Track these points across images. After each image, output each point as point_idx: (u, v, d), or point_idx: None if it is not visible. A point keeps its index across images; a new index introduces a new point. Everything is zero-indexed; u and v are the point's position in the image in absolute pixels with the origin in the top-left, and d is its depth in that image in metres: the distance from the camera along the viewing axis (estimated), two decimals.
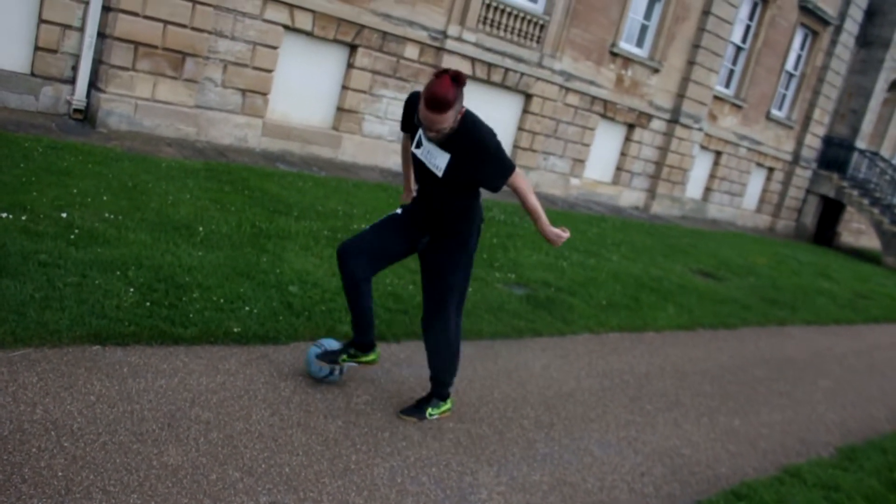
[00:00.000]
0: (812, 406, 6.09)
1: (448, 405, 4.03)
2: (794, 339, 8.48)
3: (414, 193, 3.86)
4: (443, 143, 3.44)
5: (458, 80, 3.27)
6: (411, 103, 3.61)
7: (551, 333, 5.94)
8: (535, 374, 4.97)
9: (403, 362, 4.59)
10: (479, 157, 3.47)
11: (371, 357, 4.06)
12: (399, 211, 3.86)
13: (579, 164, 15.11)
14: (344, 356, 3.94)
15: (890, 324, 11.48)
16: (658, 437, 4.59)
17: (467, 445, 3.78)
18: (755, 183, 20.92)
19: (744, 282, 10.88)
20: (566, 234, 3.63)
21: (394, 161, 11.89)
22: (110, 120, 8.88)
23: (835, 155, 22.17)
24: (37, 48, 8.63)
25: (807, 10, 18.89)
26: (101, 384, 3.40)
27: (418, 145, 3.58)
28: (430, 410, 3.94)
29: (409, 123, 3.64)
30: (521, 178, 3.56)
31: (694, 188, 18.67)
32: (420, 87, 11.66)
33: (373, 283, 4.98)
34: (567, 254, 8.93)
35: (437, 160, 3.51)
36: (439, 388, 3.98)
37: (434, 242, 3.76)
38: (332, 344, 4.00)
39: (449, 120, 3.31)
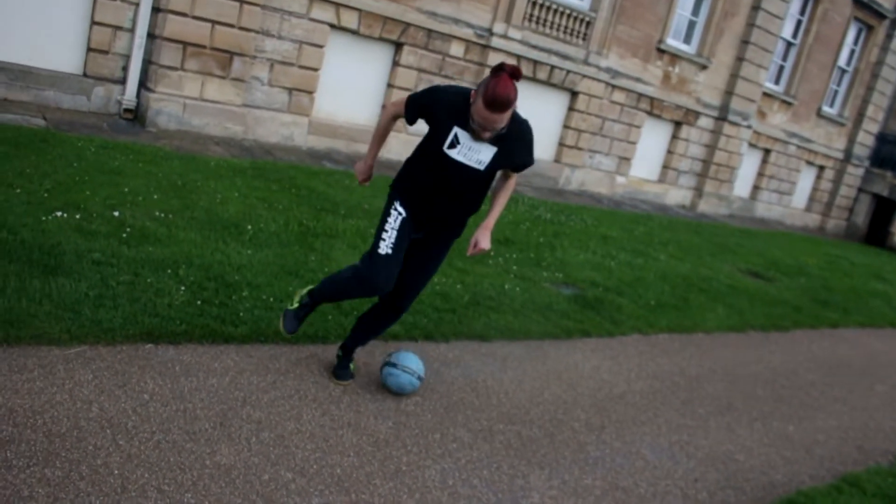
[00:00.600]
0: (869, 412, 5.93)
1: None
2: (848, 342, 8.27)
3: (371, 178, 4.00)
4: (491, 138, 3.34)
5: (516, 75, 3.13)
6: (442, 100, 3.43)
7: (600, 334, 5.87)
8: (584, 376, 4.91)
9: (452, 363, 4.55)
10: (522, 145, 3.49)
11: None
12: (402, 211, 3.59)
13: (625, 162, 14.94)
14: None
15: None
16: (711, 442, 4.50)
17: (518, 448, 3.73)
18: (805, 181, 20.50)
19: (794, 282, 10.65)
20: (485, 248, 3.61)
21: None
22: (159, 119, 8.99)
23: (889, 152, 21.61)
24: (89, 49, 8.77)
25: (861, 4, 18.44)
26: (154, 382, 3.43)
27: (453, 144, 3.40)
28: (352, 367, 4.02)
29: (428, 108, 3.47)
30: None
31: (742, 186, 18.35)
32: (465, 86, 11.64)
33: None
34: (615, 253, 8.82)
35: (481, 155, 3.42)
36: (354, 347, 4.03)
37: (434, 235, 3.73)
38: (408, 358, 3.95)
39: (507, 119, 3.22)
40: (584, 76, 13.17)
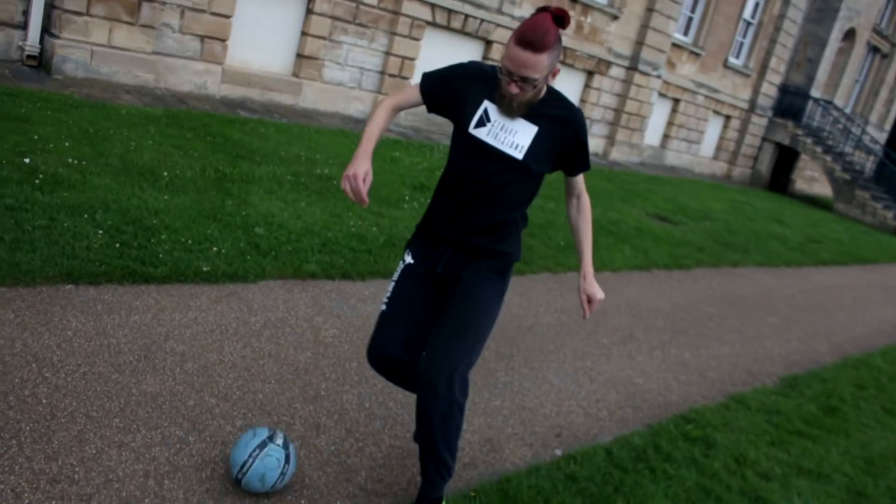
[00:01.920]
0: (760, 341, 6.39)
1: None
2: (746, 279, 8.80)
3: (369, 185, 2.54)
4: (528, 113, 2.60)
5: (561, 21, 2.45)
6: (472, 71, 2.71)
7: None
8: (514, 305, 5.16)
9: (368, 299, 4.74)
10: (574, 133, 2.68)
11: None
12: (406, 258, 2.85)
13: None
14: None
15: (838, 266, 11.91)
16: (612, 368, 4.83)
17: None
18: (712, 130, 21.25)
19: (699, 226, 11.18)
20: (601, 297, 2.86)
21: (354, 108, 11.91)
22: (66, 66, 8.77)
23: (790, 103, 22.55)
24: None
25: None
26: (77, 320, 3.51)
27: (481, 122, 2.63)
28: None
29: (449, 98, 2.71)
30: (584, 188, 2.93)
31: (652, 135, 18.92)
32: (379, 35, 11.67)
33: (342, 223, 5.09)
34: None
35: (517, 137, 2.61)
36: (433, 480, 2.77)
37: (465, 262, 2.77)
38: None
39: (543, 69, 2.46)
40: (498, 25, 13.32)
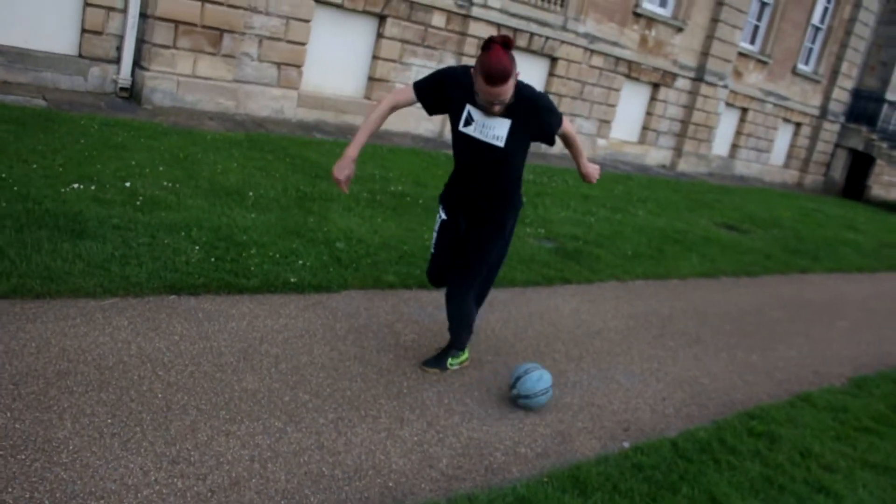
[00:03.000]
0: (828, 343, 6.45)
1: (466, 355, 4.18)
2: (815, 285, 8.81)
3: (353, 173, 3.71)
4: (501, 112, 3.38)
5: (508, 45, 3.17)
6: (450, 80, 3.48)
7: (579, 281, 6.35)
8: (564, 316, 5.40)
9: (443, 307, 5.01)
10: (538, 113, 3.45)
11: (465, 356, 4.20)
12: (442, 214, 3.85)
13: (605, 125, 15.38)
14: (451, 360, 4.11)
15: None
16: (679, 369, 5.00)
17: (504, 374, 4.22)
18: (782, 138, 21.01)
19: (767, 234, 11.17)
20: (598, 171, 3.99)
21: (424, 127, 12.29)
22: (155, 97, 9.36)
23: (864, 108, 22.14)
24: (83, 31, 9.11)
25: None
26: (182, 326, 3.89)
27: (468, 122, 3.46)
28: (450, 361, 4.09)
29: (441, 103, 3.55)
30: (568, 123, 3.65)
31: (720, 145, 18.84)
32: (447, 56, 12.03)
33: (416, 237, 5.42)
34: (594, 210, 9.30)
35: (496, 130, 3.43)
36: (457, 341, 4.11)
37: (475, 224, 3.76)
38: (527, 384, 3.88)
39: (511, 89, 3.23)
40: (563, 42, 13.57)
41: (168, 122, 8.61)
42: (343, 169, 3.56)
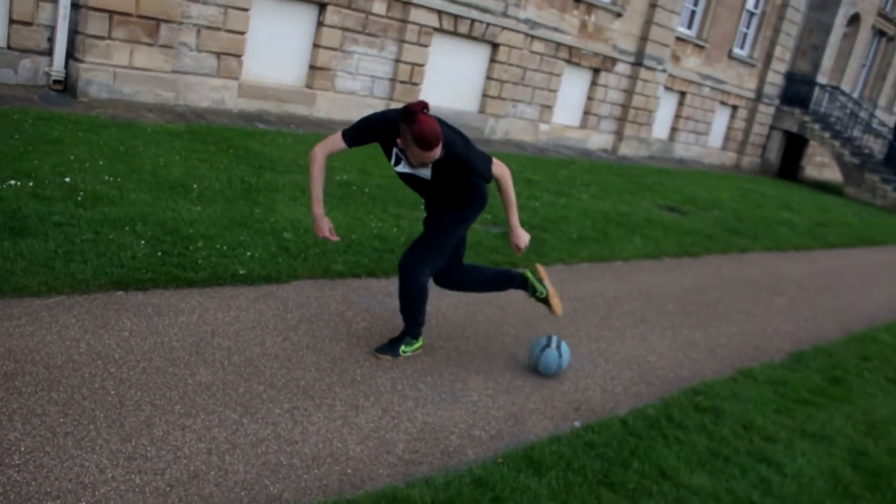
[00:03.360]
0: (767, 320, 6.66)
1: (419, 342, 4.24)
2: (755, 264, 9.06)
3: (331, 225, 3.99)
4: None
5: (426, 109, 3.42)
6: (379, 128, 3.71)
7: (526, 265, 6.43)
8: (513, 300, 5.46)
9: (393, 294, 5.00)
10: (456, 163, 3.68)
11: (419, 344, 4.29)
12: (425, 212, 4.21)
13: (547, 110, 15.52)
14: (530, 294, 4.46)
15: (846, 248, 12.14)
16: (626, 349, 5.13)
17: (456, 359, 4.28)
18: (720, 121, 21.46)
19: (708, 215, 11.44)
20: (526, 240, 4.05)
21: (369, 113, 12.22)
22: (90, 89, 9.15)
23: (797, 91, 22.72)
24: (11, 21, 8.84)
25: None
26: (131, 322, 3.85)
27: (397, 162, 3.78)
28: (402, 348, 4.15)
29: (366, 140, 3.79)
30: (500, 169, 3.80)
31: (660, 129, 19.16)
32: (389, 44, 12.00)
33: (363, 225, 5.43)
34: (538, 195, 9.41)
35: (421, 172, 3.79)
36: (411, 327, 4.18)
37: (433, 213, 4.12)
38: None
39: (439, 151, 3.50)
40: (504, 28, 13.64)
41: (106, 115, 8.44)
42: (321, 228, 3.89)
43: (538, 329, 5.06)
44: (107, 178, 6.01)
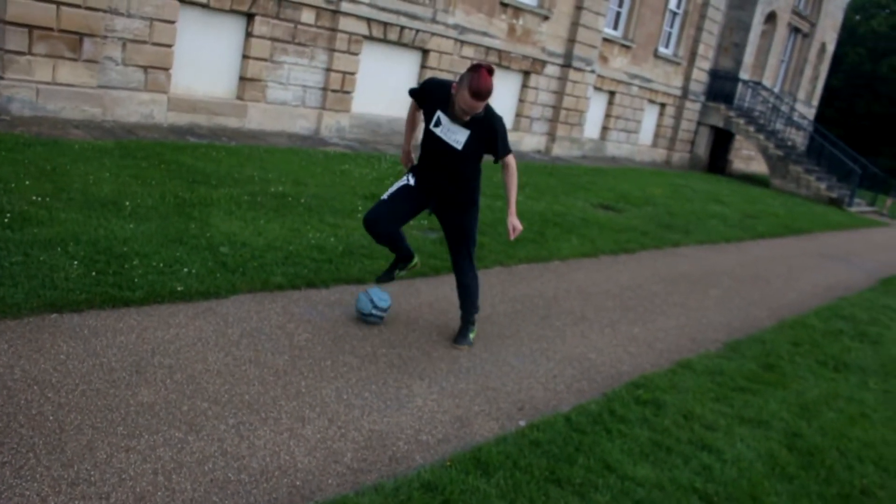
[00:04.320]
0: (703, 312, 6.85)
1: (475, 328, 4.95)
2: (688, 258, 9.29)
3: (413, 162, 4.76)
4: (466, 122, 4.22)
5: (491, 72, 4.05)
6: (430, 89, 4.39)
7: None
8: (453, 305, 5.47)
9: (335, 304, 5.06)
10: (491, 135, 4.31)
11: (415, 261, 5.01)
12: (411, 181, 4.59)
13: None
14: (398, 272, 4.99)
15: (774, 238, 12.54)
16: (567, 347, 5.22)
17: (400, 366, 4.30)
18: (649, 119, 21.92)
19: (641, 211, 11.68)
20: (519, 227, 4.53)
21: (300, 125, 12.17)
22: (12, 106, 8.91)
23: (721, 87, 23.37)
24: None
25: None
26: (67, 345, 3.77)
27: (437, 124, 4.32)
28: (471, 336, 4.86)
29: (425, 100, 4.42)
30: (512, 160, 4.46)
31: (591, 128, 19.48)
32: (319, 53, 11.97)
33: (301, 236, 5.42)
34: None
35: (458, 135, 4.29)
36: (471, 316, 4.86)
37: (449, 205, 4.60)
38: (378, 293, 4.81)
39: (483, 105, 4.11)
40: (434, 34, 13.71)
41: (30, 133, 8.22)
42: (406, 161, 4.87)
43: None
44: (34, 197, 5.86)
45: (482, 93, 4.02)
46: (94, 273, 4.62)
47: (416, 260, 5.01)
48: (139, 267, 4.87)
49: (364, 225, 4.57)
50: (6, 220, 5.21)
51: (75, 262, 4.71)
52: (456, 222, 4.66)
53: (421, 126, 4.58)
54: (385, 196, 4.60)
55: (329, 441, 3.38)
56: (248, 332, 4.35)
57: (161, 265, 4.97)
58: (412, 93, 4.54)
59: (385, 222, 4.54)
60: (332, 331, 4.59)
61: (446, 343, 4.82)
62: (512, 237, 4.51)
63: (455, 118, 4.21)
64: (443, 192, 4.56)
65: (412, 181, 4.60)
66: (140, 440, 3.08)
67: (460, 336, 4.83)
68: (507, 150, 4.41)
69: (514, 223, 4.49)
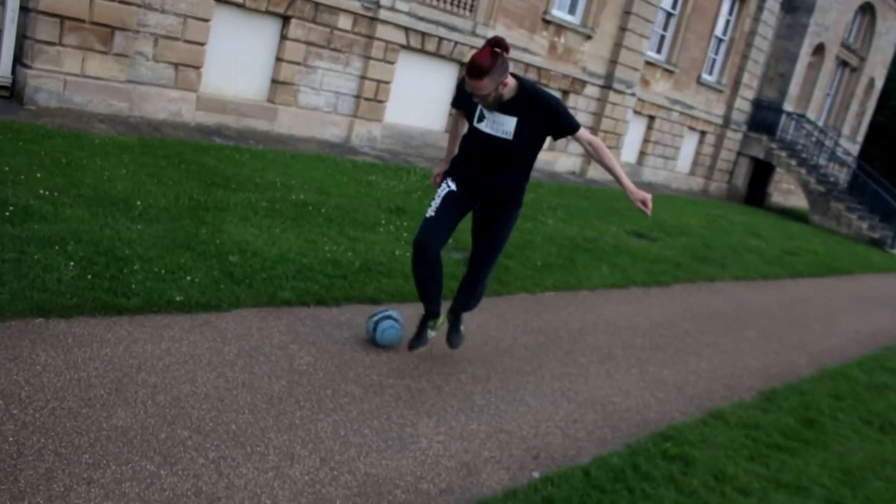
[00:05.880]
0: (737, 355, 6.42)
1: (442, 318, 4.58)
2: (723, 293, 8.85)
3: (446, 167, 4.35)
4: (506, 109, 3.84)
5: (499, 46, 3.59)
6: (463, 87, 3.94)
7: (488, 294, 6.11)
8: (471, 332, 5.15)
9: (344, 325, 4.72)
10: (539, 109, 3.85)
11: (441, 320, 4.56)
12: (452, 186, 4.15)
13: None
14: (430, 332, 4.51)
15: (814, 278, 12.01)
16: (590, 387, 4.83)
17: (407, 399, 3.95)
18: (688, 146, 21.42)
19: (676, 241, 11.24)
20: (649, 197, 3.98)
21: (330, 132, 11.91)
22: (38, 97, 8.73)
23: (764, 118, 22.81)
24: None
25: None
26: (47, 354, 3.47)
27: (480, 119, 3.95)
28: (461, 327, 4.64)
29: (463, 100, 4.02)
30: (588, 134, 3.96)
31: (629, 152, 19.05)
32: (354, 59, 11.72)
33: (317, 248, 5.13)
34: None
35: (506, 126, 3.89)
36: (461, 313, 4.63)
37: (492, 205, 4.22)
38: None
39: (488, 87, 3.66)
40: (472, 47, 13.40)
41: (53, 125, 8.02)
42: (439, 174, 4.39)
43: (497, 366, 4.75)
44: (42, 191, 5.61)
45: (471, 67, 3.62)
46: (89, 276, 4.33)
47: (442, 318, 4.56)
48: (139, 272, 4.57)
49: (415, 250, 4.12)
50: (7, 214, 4.96)
51: (71, 263, 4.43)
52: (497, 225, 4.24)
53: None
54: (430, 212, 4.14)
55: (318, 484, 3.03)
56: (245, 350, 4.02)
57: (163, 271, 4.67)
58: (454, 103, 4.26)
59: (437, 242, 4.14)
60: (338, 355, 4.25)
61: (461, 376, 4.46)
62: (649, 211, 3.98)
63: (486, 107, 3.85)
64: (491, 192, 4.15)
65: (454, 185, 4.16)
66: (106, 471, 2.76)
67: (455, 335, 4.63)
68: (575, 125, 3.92)
69: (642, 195, 3.94)
